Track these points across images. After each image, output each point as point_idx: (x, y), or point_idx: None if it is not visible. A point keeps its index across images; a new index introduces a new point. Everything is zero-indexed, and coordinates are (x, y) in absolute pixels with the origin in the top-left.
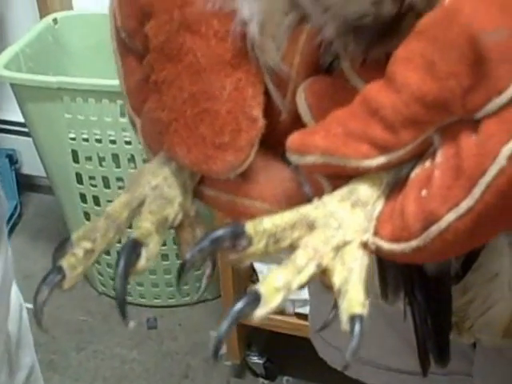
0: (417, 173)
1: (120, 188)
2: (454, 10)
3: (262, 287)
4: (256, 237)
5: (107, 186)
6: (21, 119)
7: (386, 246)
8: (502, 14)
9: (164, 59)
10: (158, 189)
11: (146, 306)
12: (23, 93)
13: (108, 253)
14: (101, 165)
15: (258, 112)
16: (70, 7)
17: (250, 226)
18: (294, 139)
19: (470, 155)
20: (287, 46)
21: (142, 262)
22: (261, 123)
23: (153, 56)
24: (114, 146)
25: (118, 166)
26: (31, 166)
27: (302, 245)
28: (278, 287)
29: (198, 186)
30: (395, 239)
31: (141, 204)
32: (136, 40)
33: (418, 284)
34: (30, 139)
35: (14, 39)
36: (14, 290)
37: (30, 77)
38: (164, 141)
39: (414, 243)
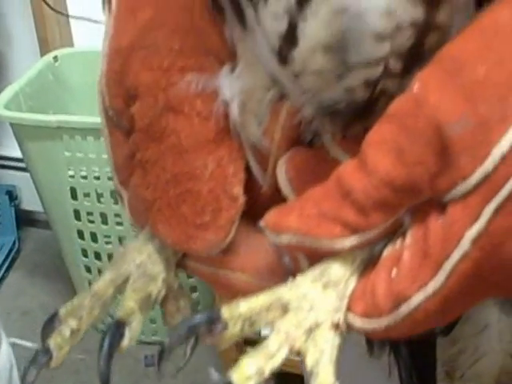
0: (388, 252)
1: (118, 224)
2: (422, 98)
3: (234, 375)
4: (232, 321)
5: (105, 222)
6: (21, 155)
7: (359, 322)
8: (466, 105)
9: (148, 140)
10: (142, 266)
11: (143, 342)
12: (23, 132)
13: None
14: (99, 201)
15: (238, 189)
16: (71, 44)
17: (225, 311)
18: (269, 218)
19: (437, 238)
20: (268, 122)
21: (126, 342)
22: (241, 201)
23: (138, 136)
24: (112, 182)
25: (116, 203)
26: (30, 201)
27: (274, 329)
28: (249, 375)
29: (182, 258)
30: (367, 316)
31: (125, 281)
32: (123, 119)
33: (403, 339)
34: (29, 174)
35: (14, 77)
36: (5, 351)
37: (30, 116)
38: (148, 218)
39: (385, 321)
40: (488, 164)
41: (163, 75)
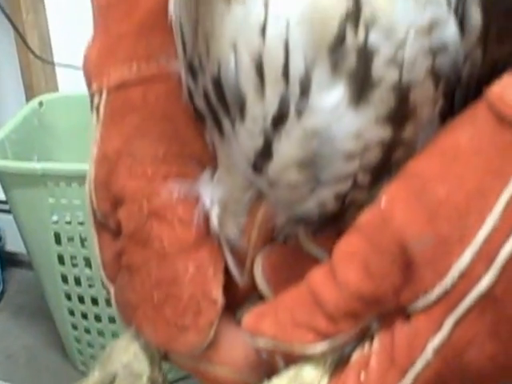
0: (357, 356)
1: None
2: (388, 214)
3: None
4: None
5: (88, 265)
6: (4, 197)
7: None
8: (428, 223)
9: (134, 245)
10: (128, 366)
11: None
12: (8, 179)
13: (88, 331)
14: (83, 245)
15: (217, 292)
16: (56, 89)
17: None
18: (247, 321)
19: (402, 346)
20: (246, 221)
21: None
22: (220, 303)
23: (124, 241)
24: None
25: None
26: (14, 242)
27: None
28: None
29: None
30: None
31: (112, 380)
32: (110, 221)
33: None
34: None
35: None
36: None
37: (15, 164)
38: (133, 317)
39: None
40: (447, 280)
41: (148, 183)
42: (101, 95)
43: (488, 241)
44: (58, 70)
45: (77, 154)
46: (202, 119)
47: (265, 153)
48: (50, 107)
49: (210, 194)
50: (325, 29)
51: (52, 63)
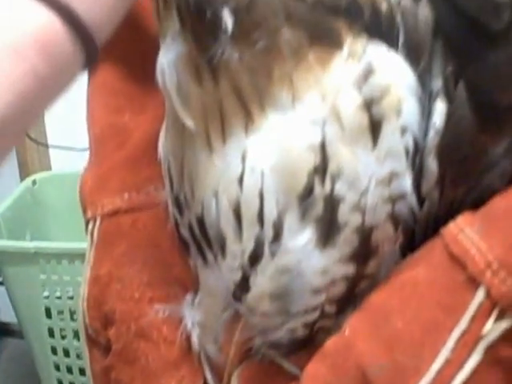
0: None
1: None
2: (351, 342)
3: None
4: None
5: (77, 338)
6: None
7: None
8: (387, 353)
9: (122, 363)
10: None
11: None
12: (2, 256)
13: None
14: (72, 319)
15: None
16: (49, 168)
17: None
18: None
19: None
20: (224, 339)
21: None
22: None
23: (113, 358)
24: None
25: None
26: (6, 312)
27: None
28: None
29: None
30: None
31: None
32: (100, 338)
33: None
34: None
35: None
36: None
37: (9, 243)
38: None
39: None
40: None
41: (135, 306)
42: (95, 222)
43: (441, 372)
44: (50, 149)
45: (68, 230)
46: (187, 246)
47: (243, 285)
48: (42, 185)
49: (192, 316)
50: (295, 180)
51: (46, 145)
